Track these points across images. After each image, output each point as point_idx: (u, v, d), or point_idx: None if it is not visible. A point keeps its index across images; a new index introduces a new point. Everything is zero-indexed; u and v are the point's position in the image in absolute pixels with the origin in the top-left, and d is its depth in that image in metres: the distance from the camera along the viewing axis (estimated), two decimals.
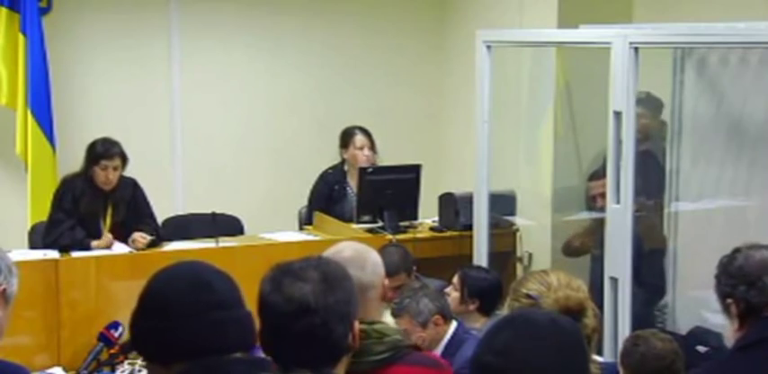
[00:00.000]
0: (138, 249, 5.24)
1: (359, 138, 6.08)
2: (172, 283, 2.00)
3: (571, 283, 2.65)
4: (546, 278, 2.66)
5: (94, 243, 5.25)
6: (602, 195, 5.04)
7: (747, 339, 2.57)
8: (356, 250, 2.57)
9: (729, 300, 2.60)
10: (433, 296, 4.12)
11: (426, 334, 4.01)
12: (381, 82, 7.25)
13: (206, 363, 1.92)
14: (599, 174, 5.14)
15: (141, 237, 5.28)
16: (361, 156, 6.04)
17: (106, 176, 5.29)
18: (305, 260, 2.20)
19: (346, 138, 6.14)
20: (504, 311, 2.85)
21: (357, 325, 2.16)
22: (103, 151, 5.27)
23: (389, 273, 4.68)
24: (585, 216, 5.39)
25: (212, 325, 1.94)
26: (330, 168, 6.17)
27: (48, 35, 6.17)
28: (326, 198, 6.08)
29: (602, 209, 5.03)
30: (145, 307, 2.00)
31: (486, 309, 4.46)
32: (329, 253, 2.55)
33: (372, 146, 6.10)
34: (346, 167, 6.13)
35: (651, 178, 4.97)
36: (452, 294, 4.52)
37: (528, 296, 2.62)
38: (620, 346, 3.55)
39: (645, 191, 4.85)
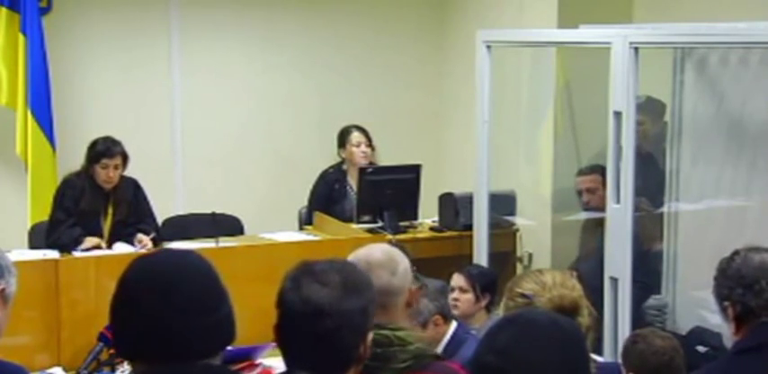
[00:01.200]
0: (147, 249, 5.25)
1: (355, 136, 6.12)
2: (146, 279, 1.91)
3: (566, 282, 2.65)
4: (540, 277, 2.66)
5: (87, 239, 5.25)
6: (588, 190, 5.12)
7: (744, 344, 2.57)
8: (388, 253, 2.53)
9: (726, 303, 2.59)
10: (433, 296, 4.12)
11: (426, 335, 4.01)
12: (381, 82, 7.25)
13: (168, 370, 1.87)
14: (586, 171, 5.21)
15: (146, 239, 5.30)
16: (359, 153, 6.07)
17: (107, 175, 5.30)
18: (330, 262, 2.17)
19: (343, 136, 6.17)
20: (499, 310, 2.85)
21: (370, 337, 2.13)
22: (105, 150, 5.28)
23: None
24: (585, 216, 5.39)
25: (179, 331, 1.86)
26: (330, 168, 6.19)
27: (48, 35, 6.17)
28: (327, 197, 6.09)
29: (587, 204, 5.09)
30: (120, 295, 1.92)
31: (492, 304, 4.51)
32: (360, 254, 2.51)
33: (370, 144, 6.13)
34: (345, 166, 6.14)
35: (651, 182, 4.98)
36: (463, 297, 4.51)
37: (523, 295, 2.62)
38: (621, 346, 3.55)
39: (645, 194, 4.86)
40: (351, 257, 2.51)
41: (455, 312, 4.41)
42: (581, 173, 5.32)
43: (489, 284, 4.59)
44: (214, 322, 1.90)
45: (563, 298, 2.60)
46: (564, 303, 2.58)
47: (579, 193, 5.26)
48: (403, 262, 2.51)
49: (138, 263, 1.95)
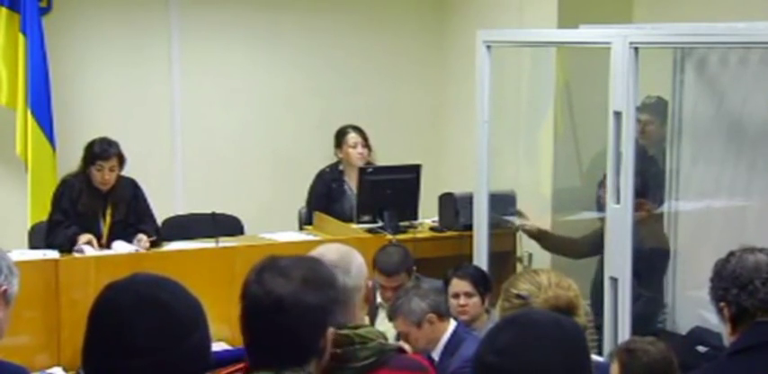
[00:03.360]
0: (144, 249, 5.25)
1: (351, 137, 6.13)
2: (102, 317, 1.84)
3: (561, 282, 2.65)
4: (536, 277, 2.66)
5: (82, 237, 5.24)
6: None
7: (740, 344, 2.57)
8: (341, 253, 2.56)
9: (722, 304, 2.60)
10: (425, 294, 4.10)
11: (422, 334, 4.00)
12: (381, 82, 7.25)
13: None
14: None
15: (145, 239, 5.30)
16: (355, 154, 6.08)
17: (102, 177, 5.29)
18: (299, 258, 2.20)
19: (339, 137, 6.19)
20: (496, 311, 2.85)
21: (331, 333, 2.15)
22: (100, 152, 5.27)
23: (389, 273, 4.69)
24: (585, 216, 5.39)
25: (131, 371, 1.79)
26: (327, 167, 6.21)
27: (48, 35, 6.16)
28: (325, 197, 6.10)
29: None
30: (86, 328, 1.85)
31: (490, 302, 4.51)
32: (314, 254, 2.53)
33: (366, 144, 6.14)
34: (342, 167, 6.15)
35: (657, 183, 4.98)
36: (471, 301, 4.48)
37: (518, 296, 2.61)
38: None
39: (651, 195, 4.85)
40: None
41: (464, 318, 4.38)
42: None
43: (487, 283, 4.60)
44: (177, 356, 1.81)
45: (558, 298, 2.60)
46: (559, 303, 2.58)
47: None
48: (356, 261, 2.55)
49: (102, 296, 1.88)
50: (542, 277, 2.65)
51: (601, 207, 4.95)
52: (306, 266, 2.16)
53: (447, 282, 4.60)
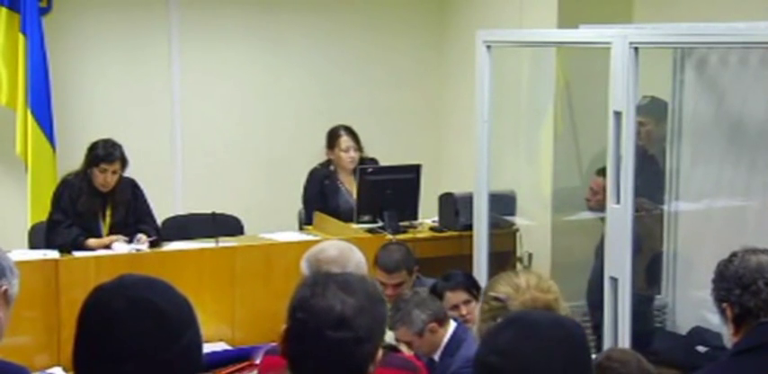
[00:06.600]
0: (144, 249, 5.25)
1: (343, 140, 6.16)
2: (89, 321, 1.81)
3: (540, 284, 2.60)
4: (515, 280, 2.61)
5: (92, 241, 5.24)
6: (593, 192, 5.08)
7: (744, 344, 2.57)
8: (341, 249, 2.57)
9: (725, 304, 2.60)
10: (424, 304, 4.06)
11: (424, 342, 3.99)
12: (381, 82, 7.25)
13: None
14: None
15: (144, 238, 5.30)
16: (347, 158, 6.13)
17: (104, 179, 5.29)
18: (349, 274, 2.13)
19: (332, 139, 6.20)
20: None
21: (380, 352, 2.04)
22: (105, 155, 5.26)
23: (389, 270, 4.68)
24: (585, 216, 5.39)
25: None
26: (318, 165, 6.24)
27: (48, 35, 6.16)
28: (319, 195, 6.12)
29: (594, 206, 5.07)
30: (75, 332, 1.83)
31: None
32: (313, 251, 2.54)
33: (358, 147, 6.17)
34: (333, 166, 6.18)
35: (655, 184, 4.98)
36: (471, 308, 4.42)
37: (496, 298, 2.57)
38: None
39: (650, 197, 4.86)
40: (306, 254, 2.54)
41: (470, 325, 4.35)
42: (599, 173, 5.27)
43: (475, 283, 4.58)
44: (169, 358, 1.79)
45: (536, 301, 2.55)
46: (536, 306, 2.53)
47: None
48: (355, 258, 2.55)
49: (92, 299, 1.85)
50: (521, 279, 2.60)
51: (590, 209, 4.99)
52: (360, 280, 2.05)
53: (439, 296, 4.49)
